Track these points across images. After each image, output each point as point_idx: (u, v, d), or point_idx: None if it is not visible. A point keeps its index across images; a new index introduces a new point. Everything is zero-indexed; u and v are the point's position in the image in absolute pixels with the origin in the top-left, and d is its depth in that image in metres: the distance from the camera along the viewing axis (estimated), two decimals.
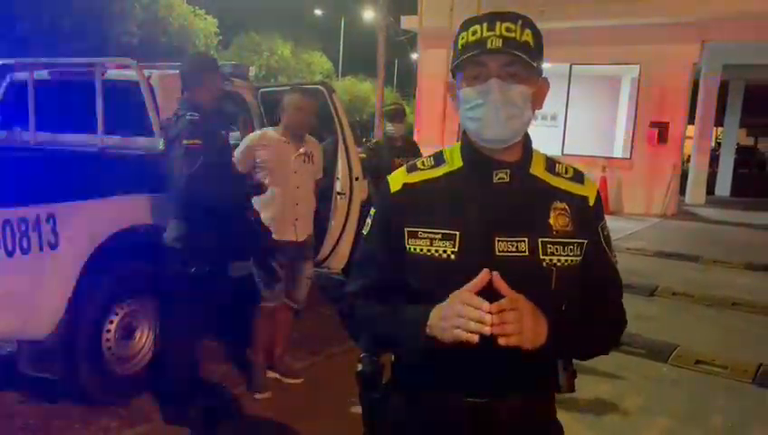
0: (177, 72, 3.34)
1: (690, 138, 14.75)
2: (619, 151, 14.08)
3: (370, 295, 1.37)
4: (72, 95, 4.20)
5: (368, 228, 1.43)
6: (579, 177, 1.39)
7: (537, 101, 1.32)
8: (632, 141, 13.13)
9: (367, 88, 38.71)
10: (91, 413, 3.30)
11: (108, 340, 3.42)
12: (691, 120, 13.82)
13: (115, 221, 3.35)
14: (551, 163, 1.38)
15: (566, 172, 1.38)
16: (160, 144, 3.37)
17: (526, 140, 1.36)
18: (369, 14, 32.43)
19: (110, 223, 3.32)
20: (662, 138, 12.61)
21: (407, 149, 5.17)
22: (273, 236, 3.62)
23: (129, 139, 3.90)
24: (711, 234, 10.64)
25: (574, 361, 1.38)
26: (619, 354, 4.34)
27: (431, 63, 13.84)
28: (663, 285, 6.60)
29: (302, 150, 3.71)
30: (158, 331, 3.64)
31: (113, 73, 3.97)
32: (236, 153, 3.60)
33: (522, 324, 1.15)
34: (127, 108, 3.88)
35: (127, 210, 3.44)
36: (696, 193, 14.71)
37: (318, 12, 41.09)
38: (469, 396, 1.30)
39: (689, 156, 15.42)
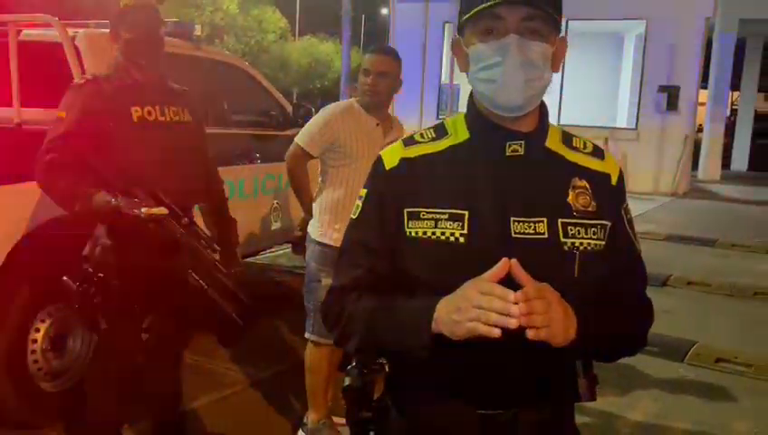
0: (108, 31, 3.22)
1: (703, 104, 14.95)
2: (622, 121, 14.30)
3: (362, 290, 1.36)
4: None
5: (357, 212, 1.42)
6: (599, 152, 1.43)
7: (555, 63, 1.34)
8: (638, 109, 13.33)
9: (328, 49, 38.40)
10: None
11: (34, 352, 3.37)
12: (704, 84, 14.05)
13: (41, 209, 3.25)
14: (567, 136, 1.43)
15: (584, 147, 1.43)
16: None
17: (542, 108, 1.38)
18: None
19: (35, 212, 3.23)
20: (672, 104, 12.82)
21: None
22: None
23: (52, 111, 3.79)
24: (728, 214, 10.88)
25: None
26: None
27: (406, 20, 13.76)
28: (677, 273, 6.73)
29: (378, 122, 3.40)
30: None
31: (29, 34, 3.87)
32: (311, 129, 3.29)
33: (550, 316, 1.16)
34: (47, 75, 3.78)
35: None
36: (710, 167, 15.04)
37: None
38: (481, 408, 1.31)
39: (702, 125, 15.72)
